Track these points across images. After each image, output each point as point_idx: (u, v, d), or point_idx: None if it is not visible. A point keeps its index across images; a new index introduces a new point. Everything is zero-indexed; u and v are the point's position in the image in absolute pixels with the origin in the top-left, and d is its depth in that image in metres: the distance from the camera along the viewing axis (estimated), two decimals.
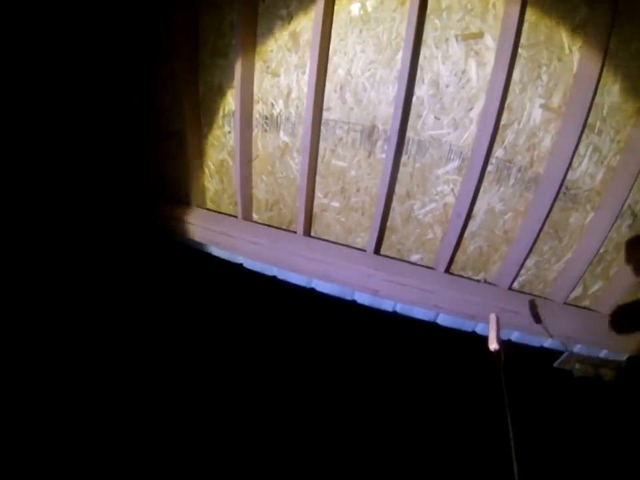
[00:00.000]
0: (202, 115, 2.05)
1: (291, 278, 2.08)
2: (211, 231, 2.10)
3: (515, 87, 1.54)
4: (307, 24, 1.65)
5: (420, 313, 1.94)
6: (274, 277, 2.18)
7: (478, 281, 1.93)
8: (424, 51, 1.62)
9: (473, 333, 1.96)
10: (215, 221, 2.15)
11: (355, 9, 1.64)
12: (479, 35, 1.58)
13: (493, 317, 1.70)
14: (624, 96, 1.47)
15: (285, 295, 2.09)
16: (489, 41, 1.53)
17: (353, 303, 2.07)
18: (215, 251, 2.25)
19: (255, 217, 2.09)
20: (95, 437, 1.45)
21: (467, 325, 1.94)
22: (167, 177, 2.29)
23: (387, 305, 2.03)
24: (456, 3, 1.52)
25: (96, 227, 2.35)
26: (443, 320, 1.95)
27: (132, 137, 2.29)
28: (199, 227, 2.14)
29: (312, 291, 2.11)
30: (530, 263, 1.84)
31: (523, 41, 1.48)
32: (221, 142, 1.92)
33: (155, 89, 2.12)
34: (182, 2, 1.78)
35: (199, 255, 2.29)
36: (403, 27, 1.60)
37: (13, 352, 1.69)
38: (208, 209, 2.34)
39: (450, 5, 1.53)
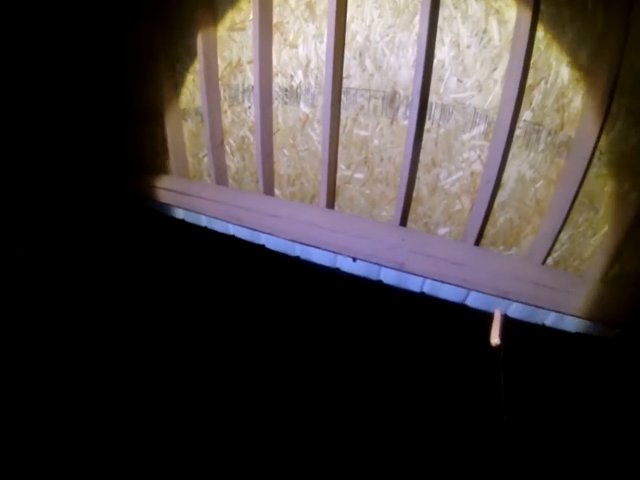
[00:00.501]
0: (223, 91, 2.13)
1: (315, 257, 2.16)
2: (232, 206, 2.17)
3: (539, 44, 1.53)
4: None
5: (448, 292, 1.94)
6: (297, 258, 2.24)
7: None
8: (442, 12, 1.63)
9: (505, 316, 1.92)
10: (236, 196, 2.23)
11: None
12: None
13: (497, 313, 1.78)
14: None
15: (308, 276, 2.11)
16: None
17: (379, 283, 2.10)
18: (236, 230, 2.34)
19: (276, 192, 2.20)
20: (91, 433, 1.44)
21: (498, 306, 1.92)
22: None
23: (413, 285, 2.04)
24: None
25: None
26: (473, 300, 1.94)
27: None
28: (219, 203, 2.23)
29: (336, 271, 2.16)
30: (564, 236, 1.79)
31: None
32: (242, 118, 1.96)
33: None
34: None
35: (220, 237, 2.39)
36: None
37: None
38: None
39: None
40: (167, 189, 2.33)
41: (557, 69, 1.58)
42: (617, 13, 1.35)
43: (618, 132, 1.54)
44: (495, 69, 1.60)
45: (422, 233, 1.93)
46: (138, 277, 2.20)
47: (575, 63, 1.54)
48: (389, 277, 2.09)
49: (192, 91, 2.14)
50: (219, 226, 2.38)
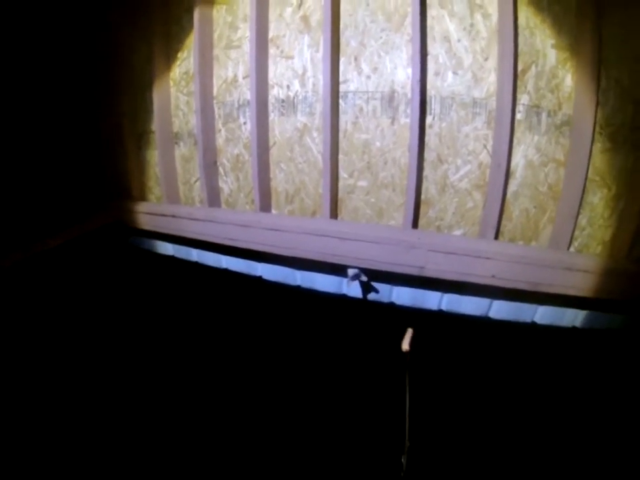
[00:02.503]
0: (217, 109, 2.27)
1: (318, 284, 2.16)
2: (226, 224, 2.16)
3: (523, 31, 1.73)
4: (316, 5, 1.82)
5: (470, 306, 1.93)
6: (298, 287, 2.22)
7: None
8: (430, 12, 1.84)
9: (533, 324, 1.90)
10: (230, 214, 2.25)
11: None
12: None
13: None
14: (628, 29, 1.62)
15: (313, 306, 1.96)
16: None
17: (392, 305, 2.07)
18: (230, 263, 2.37)
19: (273, 212, 2.28)
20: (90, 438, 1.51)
21: (524, 314, 1.89)
22: None
23: (431, 302, 2.01)
24: None
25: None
26: (497, 311, 1.92)
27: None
28: (212, 222, 2.21)
29: (344, 298, 2.14)
30: (583, 220, 1.80)
31: None
32: (236, 135, 2.01)
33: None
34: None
35: (213, 271, 2.40)
36: None
37: None
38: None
39: None
40: (155, 213, 2.28)
41: (544, 51, 1.74)
42: None
43: (612, 104, 1.67)
44: (487, 59, 1.75)
45: (438, 233, 1.99)
46: (126, 320, 2.21)
47: (560, 44, 1.72)
48: (402, 297, 2.07)
49: (186, 112, 2.21)
50: (210, 259, 2.22)
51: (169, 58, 2.31)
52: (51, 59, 2.33)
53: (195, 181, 2.40)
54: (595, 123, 1.69)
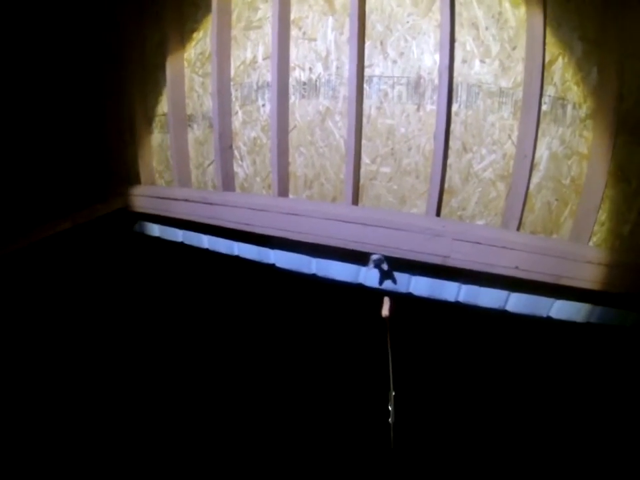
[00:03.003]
0: (234, 91, 2.22)
1: (334, 272, 2.14)
2: (241, 208, 2.12)
3: (550, 22, 1.74)
4: None
5: (487, 299, 1.94)
6: (314, 275, 2.20)
7: None
8: None
9: (548, 319, 1.91)
10: (246, 198, 2.20)
11: None
12: None
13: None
14: None
15: (329, 294, 1.95)
16: None
17: (409, 296, 2.06)
18: (242, 249, 2.30)
19: (291, 197, 2.26)
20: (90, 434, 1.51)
21: (540, 308, 1.90)
22: None
23: (449, 293, 2.01)
24: None
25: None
26: (514, 304, 1.92)
27: None
28: (227, 207, 2.16)
29: (360, 287, 2.12)
30: (603, 215, 1.83)
31: None
32: (254, 118, 1.96)
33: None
34: None
35: (225, 258, 2.35)
36: None
37: None
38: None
39: None
40: (166, 197, 2.29)
41: (570, 44, 1.76)
42: None
43: (635, 98, 1.69)
44: (514, 48, 1.73)
45: (463, 222, 2.00)
46: (136, 309, 2.23)
47: (585, 37, 1.74)
48: (420, 287, 2.05)
49: (200, 94, 2.15)
50: (222, 246, 2.16)
51: (183, 38, 2.29)
52: (60, 41, 2.27)
53: (209, 165, 2.38)
54: (617, 117, 1.72)
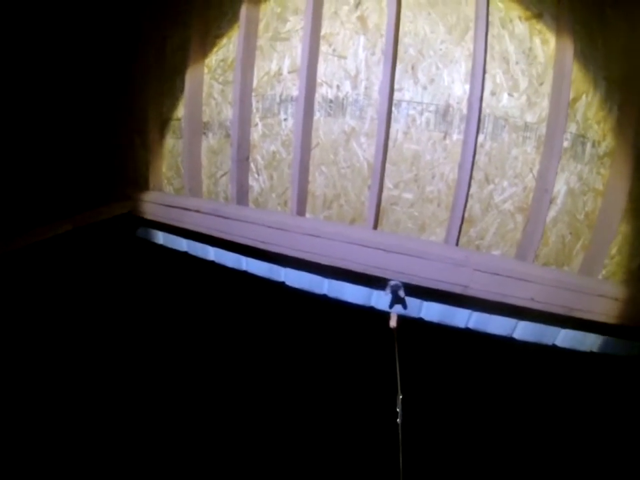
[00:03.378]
0: (256, 102, 2.17)
1: (346, 294, 2.14)
2: (258, 225, 2.07)
3: (577, 60, 1.82)
4: (374, 7, 1.73)
5: (496, 326, 1.99)
6: (324, 296, 2.18)
7: None
8: (492, 31, 1.88)
9: (554, 347, 1.99)
10: (263, 215, 2.14)
11: None
12: (539, 16, 1.85)
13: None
14: None
15: (340, 316, 1.94)
16: (549, 20, 1.84)
17: (420, 321, 2.09)
18: (251, 265, 2.25)
19: (308, 217, 2.24)
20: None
21: (547, 336, 1.96)
22: None
23: (459, 320, 2.03)
24: None
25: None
26: (522, 332, 1.98)
27: None
28: (242, 222, 2.10)
29: (371, 310, 2.13)
30: (613, 249, 1.91)
31: (577, 18, 1.81)
32: (275, 131, 1.93)
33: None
34: None
35: (232, 273, 2.30)
36: (469, 8, 1.88)
37: None
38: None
39: None
40: (176, 206, 2.21)
41: (594, 83, 1.85)
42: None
43: None
44: (542, 84, 1.77)
45: (483, 253, 2.04)
46: (129, 315, 2.17)
47: (609, 77, 1.83)
48: (431, 312, 2.07)
49: (219, 102, 2.08)
50: (229, 259, 2.11)
51: (206, 43, 2.22)
52: (75, 38, 2.14)
53: (222, 176, 2.33)
54: (636, 156, 1.79)
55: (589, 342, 2.00)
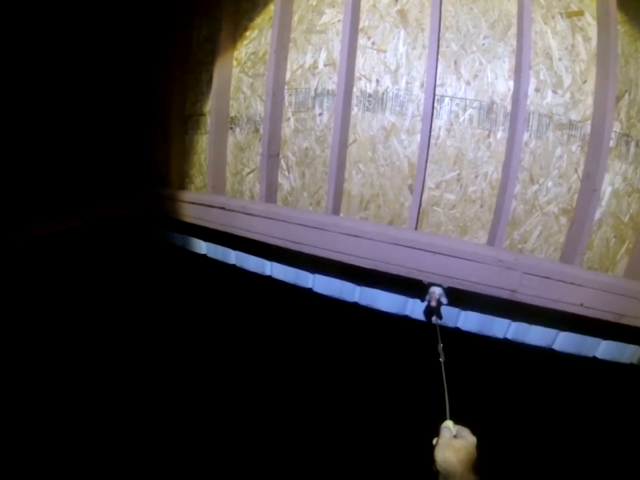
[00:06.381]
0: (288, 96, 2.17)
1: (379, 302, 2.12)
2: (291, 224, 2.03)
3: (619, 59, 1.86)
4: (414, 1, 1.76)
5: (536, 337, 2.00)
6: (355, 304, 2.15)
7: None
8: (534, 27, 1.94)
9: (594, 359, 2.01)
10: (296, 213, 2.10)
11: None
12: (580, 13, 1.91)
13: None
14: None
15: (375, 327, 1.92)
16: (589, 18, 1.91)
17: (457, 330, 2.09)
18: (276, 270, 2.21)
19: (343, 217, 2.25)
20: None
21: (587, 348, 1.98)
22: None
23: (498, 330, 2.04)
24: None
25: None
26: (562, 343, 1.99)
27: None
28: (273, 220, 2.05)
29: (406, 319, 2.12)
30: None
31: (618, 17, 1.87)
32: (308, 127, 1.92)
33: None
34: None
35: (256, 278, 2.27)
36: (511, 4, 1.94)
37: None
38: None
39: None
40: (199, 203, 2.26)
41: (636, 81, 1.92)
42: None
43: None
44: (585, 81, 1.81)
45: (533, 256, 2.04)
46: (157, 322, 2.16)
47: None
48: (469, 322, 2.07)
49: (248, 95, 2.04)
50: (252, 264, 2.05)
51: (235, 35, 2.26)
52: (97, 29, 2.14)
53: (249, 173, 2.33)
54: None
55: (628, 353, 2.01)
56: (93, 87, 2.32)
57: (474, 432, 1.05)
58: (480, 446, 1.05)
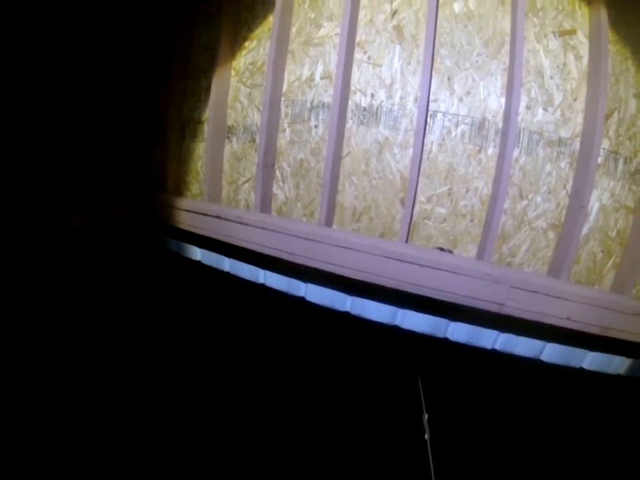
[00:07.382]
0: (285, 107, 2.24)
1: (370, 312, 2.19)
2: (284, 235, 2.12)
3: (609, 78, 1.97)
4: (411, 17, 1.83)
5: (524, 348, 2.06)
6: (346, 313, 2.23)
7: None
8: (527, 45, 2.04)
9: (580, 370, 2.07)
10: (290, 224, 2.17)
11: (459, 6, 2.04)
12: (572, 32, 1.99)
13: None
14: None
15: (366, 337, 1.98)
16: (582, 37, 1.99)
17: (446, 341, 2.15)
18: (269, 279, 2.29)
19: (336, 228, 2.34)
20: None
21: (574, 359, 2.04)
22: None
23: (486, 341, 2.10)
24: (548, 3, 1.99)
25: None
26: (549, 354, 2.06)
27: None
28: (267, 230, 2.14)
29: (395, 329, 2.18)
30: None
31: (609, 36, 1.97)
32: (304, 138, 1.97)
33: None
34: None
35: (249, 286, 2.36)
36: (505, 22, 2.02)
37: None
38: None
39: (544, 6, 2.00)
40: (195, 211, 2.31)
41: (625, 99, 2.02)
42: None
43: None
44: (575, 99, 1.87)
45: (521, 270, 2.13)
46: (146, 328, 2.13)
47: (639, 95, 2.00)
48: (458, 333, 2.12)
49: (245, 105, 2.10)
50: (246, 272, 2.11)
51: (234, 45, 2.34)
52: (97, 33, 2.20)
53: (244, 182, 2.43)
54: None
55: (615, 365, 2.08)
56: (91, 92, 2.38)
57: (463, 442, 1.11)
58: (470, 456, 1.11)
